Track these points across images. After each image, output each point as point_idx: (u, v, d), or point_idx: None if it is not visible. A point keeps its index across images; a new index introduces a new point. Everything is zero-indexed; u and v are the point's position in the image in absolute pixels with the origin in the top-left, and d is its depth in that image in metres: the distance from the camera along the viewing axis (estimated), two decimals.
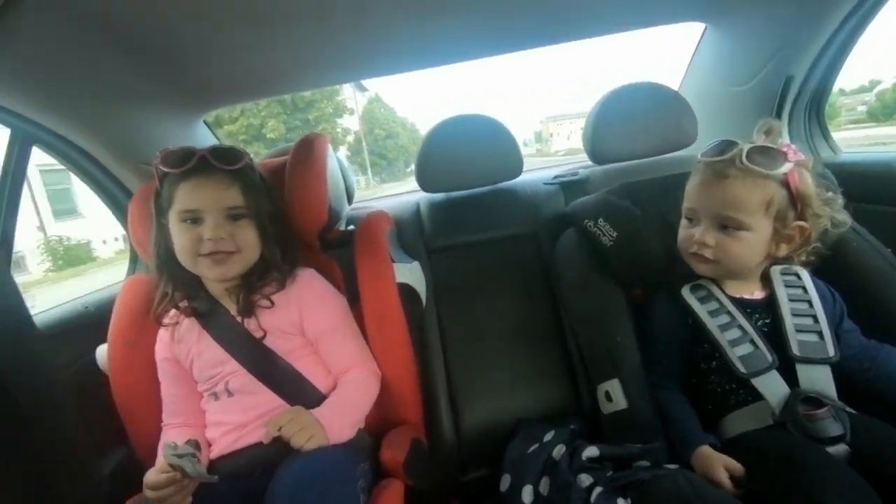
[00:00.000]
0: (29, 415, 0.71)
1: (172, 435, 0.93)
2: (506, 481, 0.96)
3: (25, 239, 9.94)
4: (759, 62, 1.32)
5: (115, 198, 1.22)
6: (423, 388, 1.11)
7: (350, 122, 19.29)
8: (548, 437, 0.99)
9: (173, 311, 0.96)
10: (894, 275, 0.92)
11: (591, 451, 0.88)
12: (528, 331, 1.22)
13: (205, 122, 1.40)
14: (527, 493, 0.90)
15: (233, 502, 0.82)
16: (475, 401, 1.16)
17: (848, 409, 0.79)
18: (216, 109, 1.37)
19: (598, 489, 0.81)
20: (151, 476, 0.76)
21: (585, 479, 0.84)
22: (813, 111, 1.36)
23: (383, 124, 21.69)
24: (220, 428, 0.91)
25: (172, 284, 0.95)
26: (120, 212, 1.22)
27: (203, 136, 1.40)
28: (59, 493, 0.76)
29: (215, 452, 0.90)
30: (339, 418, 0.85)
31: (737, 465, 0.75)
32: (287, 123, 13.58)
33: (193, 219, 0.88)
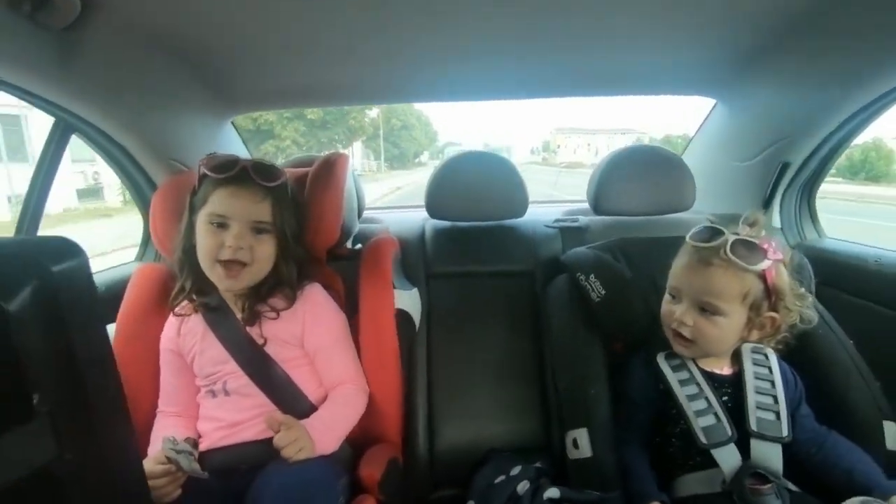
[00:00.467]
0: None
1: (167, 423, 0.98)
2: None
3: None
4: (760, 144, 1.39)
5: (141, 189, 1.28)
6: (404, 405, 1.15)
7: (371, 110, 19.43)
8: (515, 471, 1.05)
9: (185, 304, 1.01)
10: (853, 368, 0.98)
11: (553, 492, 0.94)
12: (512, 365, 1.27)
13: (233, 123, 1.46)
14: None
15: (217, 495, 0.87)
16: (452, 424, 1.21)
17: (791, 486, 0.85)
18: (245, 113, 1.43)
19: None
20: (148, 466, 0.81)
21: None
22: (804, 196, 1.44)
23: (400, 116, 21.88)
24: (213, 423, 0.96)
25: (192, 280, 0.99)
26: (143, 202, 1.27)
27: (230, 138, 1.46)
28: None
29: (205, 445, 0.95)
30: (328, 432, 0.91)
31: None
32: (325, 109, 13.41)
33: (220, 223, 0.93)
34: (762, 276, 0.88)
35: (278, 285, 1.00)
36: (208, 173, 0.95)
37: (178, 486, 0.83)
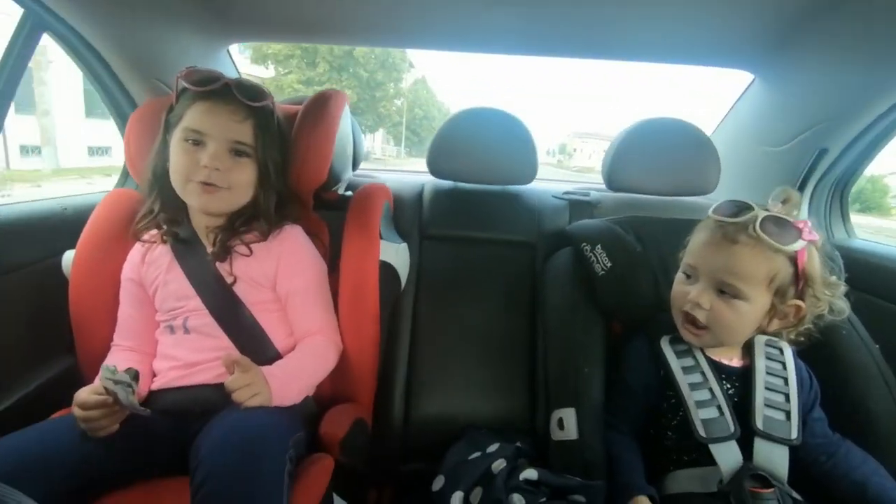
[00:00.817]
0: None
1: (119, 357, 0.91)
2: (439, 482, 0.94)
3: None
4: (797, 127, 1.28)
5: (122, 109, 1.19)
6: (382, 370, 1.09)
7: (398, 99, 19.40)
8: (491, 448, 0.97)
9: (153, 232, 0.94)
10: (877, 374, 0.90)
11: (530, 474, 0.86)
12: (501, 339, 1.19)
13: (228, 52, 1.37)
14: (456, 498, 0.89)
15: (163, 439, 0.81)
16: (431, 394, 1.14)
17: (794, 494, 0.77)
18: (242, 41, 1.33)
19: None
20: (82, 395, 0.74)
21: (518, 500, 0.82)
22: (838, 190, 1.33)
23: (423, 105, 22.20)
24: (168, 361, 0.90)
25: (161, 203, 0.93)
26: (122, 121, 1.19)
27: (224, 66, 1.37)
28: None
29: (158, 384, 0.89)
30: (289, 382, 0.83)
31: None
32: (359, 95, 13.60)
33: (196, 140, 0.87)
34: (793, 259, 0.78)
35: (255, 219, 0.93)
36: (187, 86, 0.88)
37: (115, 421, 0.75)
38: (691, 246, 0.87)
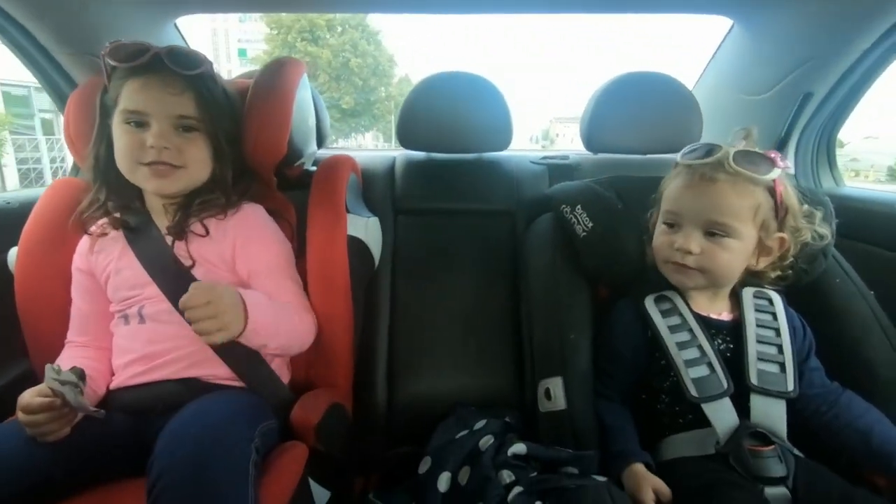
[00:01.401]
0: None
1: (72, 355, 0.85)
2: (426, 464, 0.90)
3: None
4: (780, 72, 1.22)
5: (60, 90, 1.11)
6: (362, 353, 1.04)
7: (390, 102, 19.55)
8: (478, 425, 0.93)
9: (101, 221, 0.87)
10: (874, 321, 0.87)
11: (519, 448, 0.82)
12: (484, 313, 1.15)
13: (176, 26, 1.27)
14: (443, 480, 0.84)
15: (123, 440, 0.75)
16: (414, 375, 1.10)
17: (795, 451, 0.75)
18: (191, 13, 1.24)
19: (517, 489, 0.75)
20: (25, 397, 0.67)
21: (507, 476, 0.78)
22: (824, 136, 1.29)
23: None
24: (124, 356, 0.83)
25: (106, 191, 0.86)
26: (63, 104, 1.10)
27: (173, 42, 1.27)
28: None
29: (116, 382, 0.83)
30: (269, 317, 0.77)
31: (665, 490, 0.70)
32: (355, 100, 14.40)
33: (138, 122, 0.80)
34: (771, 190, 0.78)
35: (212, 196, 0.87)
36: (113, 63, 0.80)
37: (65, 425, 0.69)
38: (668, 194, 0.85)
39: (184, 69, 0.81)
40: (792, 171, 0.81)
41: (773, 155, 0.79)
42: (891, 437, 0.75)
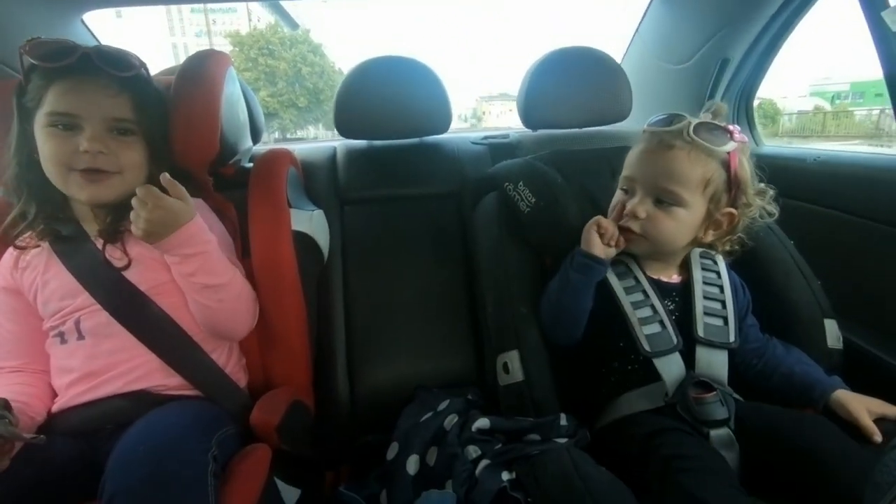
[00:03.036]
0: None
1: (4, 382, 0.79)
2: (393, 450, 0.91)
3: None
4: (698, 41, 1.29)
5: None
6: (319, 348, 1.03)
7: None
8: (442, 405, 0.95)
9: (27, 234, 0.81)
10: (794, 267, 0.95)
11: (482, 423, 0.84)
12: (439, 295, 1.16)
13: (83, 22, 1.18)
14: (412, 462, 0.86)
15: (72, 465, 0.71)
16: (374, 364, 1.09)
17: (735, 395, 0.80)
18: (98, 8, 1.15)
19: (484, 462, 0.78)
20: None
21: (473, 452, 0.81)
22: (743, 99, 1.37)
23: None
24: (65, 376, 0.78)
25: (36, 204, 0.80)
26: None
27: (80, 39, 1.18)
28: None
29: (59, 405, 0.78)
30: (204, 246, 0.78)
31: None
32: (308, 101, 16.74)
33: (68, 125, 0.74)
34: (725, 164, 0.80)
35: None
36: (36, 62, 0.74)
37: (2, 456, 0.64)
38: (628, 159, 0.87)
39: (118, 70, 0.76)
40: (747, 140, 0.83)
41: (731, 129, 0.80)
42: (808, 374, 0.83)
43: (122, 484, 0.58)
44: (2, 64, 1.02)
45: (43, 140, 0.76)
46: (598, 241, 0.82)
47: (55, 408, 0.78)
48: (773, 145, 1.38)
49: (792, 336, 0.89)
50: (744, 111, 1.39)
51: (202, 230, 0.78)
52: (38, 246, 0.81)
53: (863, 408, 0.75)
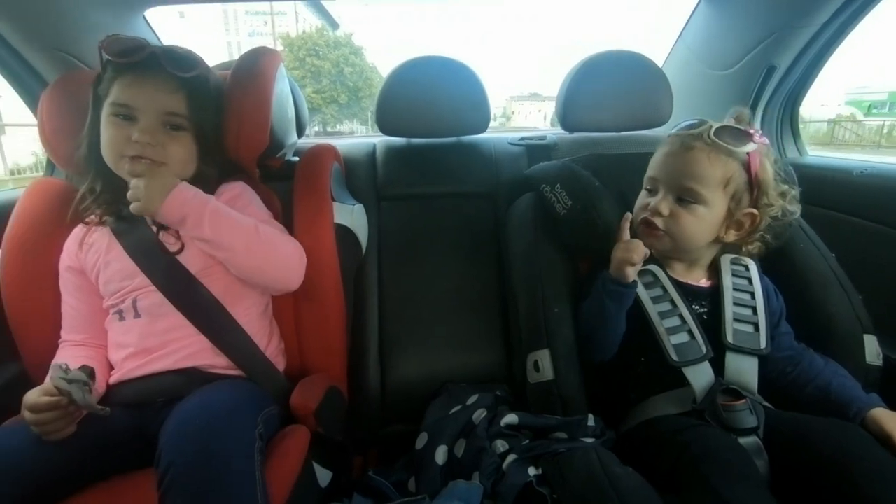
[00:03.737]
0: None
1: (69, 354, 0.85)
2: (422, 439, 0.94)
3: None
4: (745, 46, 1.27)
5: (30, 87, 1.08)
6: (353, 337, 1.06)
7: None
8: (471, 400, 0.97)
9: (93, 215, 0.87)
10: (834, 280, 0.93)
11: (510, 419, 0.86)
12: (470, 292, 1.18)
13: (145, 18, 1.25)
14: (440, 453, 0.89)
15: (126, 434, 0.76)
16: (405, 356, 1.12)
17: (765, 403, 0.80)
18: (160, 6, 1.22)
19: (511, 457, 0.80)
20: (32, 396, 0.68)
21: (501, 446, 0.83)
22: (788, 107, 1.34)
23: None
24: (122, 351, 0.84)
25: (102, 182, 0.86)
26: (34, 103, 1.08)
27: (141, 35, 1.24)
28: None
29: (115, 378, 0.83)
30: (203, 207, 0.80)
31: None
32: (348, 98, 19.05)
33: (126, 115, 0.80)
34: (746, 165, 0.82)
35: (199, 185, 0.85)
36: (109, 57, 0.80)
37: (70, 423, 0.70)
38: (652, 161, 0.89)
39: (179, 70, 0.81)
40: (767, 141, 0.84)
41: (752, 131, 0.82)
42: (845, 388, 0.82)
43: (178, 455, 0.62)
44: (73, 57, 1.08)
45: (104, 127, 0.82)
46: (632, 272, 0.83)
47: (112, 380, 0.84)
48: (817, 155, 1.34)
49: (829, 350, 0.88)
50: (788, 120, 1.36)
51: (197, 192, 0.81)
52: (102, 223, 0.86)
53: None
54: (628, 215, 0.88)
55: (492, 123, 1.32)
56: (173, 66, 0.81)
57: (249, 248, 0.83)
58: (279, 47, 18.33)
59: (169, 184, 0.78)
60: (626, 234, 0.86)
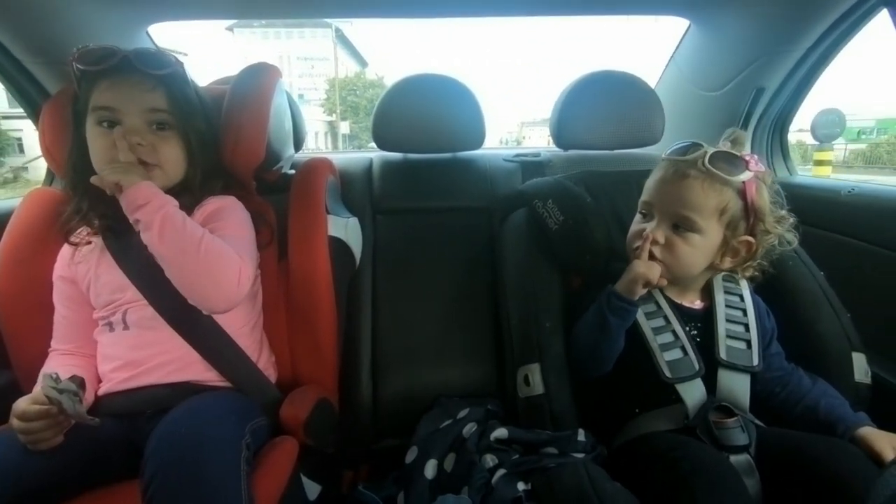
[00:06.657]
0: None
1: (58, 363, 0.85)
2: (412, 453, 0.94)
3: None
4: (734, 69, 1.30)
5: (34, 102, 1.10)
6: (346, 350, 1.06)
7: None
8: (462, 413, 0.97)
9: (82, 230, 0.87)
10: (824, 299, 0.94)
11: (500, 433, 0.86)
12: (464, 307, 1.18)
13: (148, 34, 1.27)
14: (430, 467, 0.88)
15: (114, 445, 0.76)
16: (398, 370, 1.13)
17: (756, 421, 0.80)
18: (163, 21, 1.24)
19: (500, 471, 0.80)
20: (21, 405, 0.68)
21: (490, 460, 0.83)
22: (777, 128, 1.37)
23: None
24: (110, 363, 0.84)
25: (89, 200, 0.86)
26: (36, 114, 1.10)
27: None
28: None
29: (104, 389, 0.83)
30: (161, 210, 0.76)
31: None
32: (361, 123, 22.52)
33: (110, 121, 0.80)
34: (741, 192, 0.80)
35: (181, 195, 0.85)
36: (82, 67, 0.81)
37: (59, 433, 0.70)
38: (647, 185, 0.88)
39: (153, 68, 0.82)
40: (763, 169, 0.83)
41: (748, 157, 0.81)
42: (833, 408, 0.82)
43: (162, 463, 0.62)
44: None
45: (91, 139, 0.82)
46: (642, 291, 0.82)
47: (100, 391, 0.83)
48: (806, 175, 1.37)
49: (819, 368, 0.89)
50: (778, 140, 1.38)
51: (156, 192, 0.78)
52: (90, 242, 0.86)
53: (888, 445, 0.74)
54: (649, 234, 0.83)
55: (504, 149, 1.34)
56: (147, 65, 0.82)
57: (184, 261, 0.77)
58: (325, 86, 25.26)
59: (145, 176, 0.79)
60: (646, 255, 0.82)
